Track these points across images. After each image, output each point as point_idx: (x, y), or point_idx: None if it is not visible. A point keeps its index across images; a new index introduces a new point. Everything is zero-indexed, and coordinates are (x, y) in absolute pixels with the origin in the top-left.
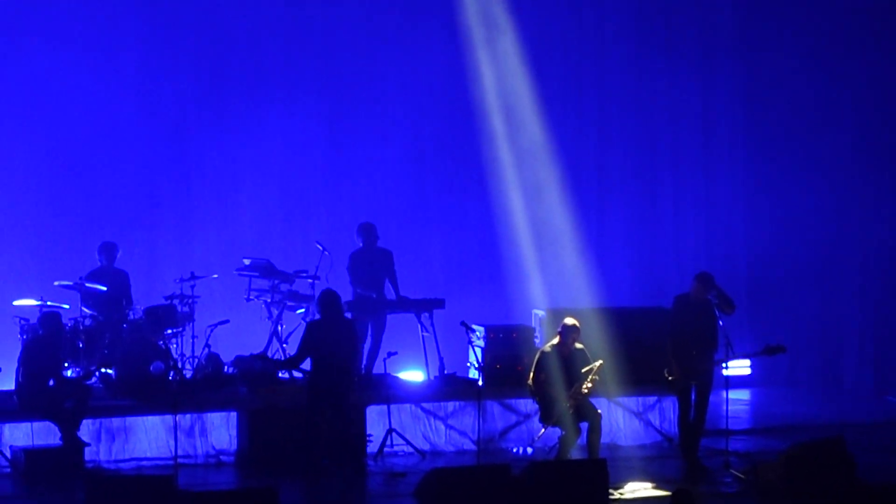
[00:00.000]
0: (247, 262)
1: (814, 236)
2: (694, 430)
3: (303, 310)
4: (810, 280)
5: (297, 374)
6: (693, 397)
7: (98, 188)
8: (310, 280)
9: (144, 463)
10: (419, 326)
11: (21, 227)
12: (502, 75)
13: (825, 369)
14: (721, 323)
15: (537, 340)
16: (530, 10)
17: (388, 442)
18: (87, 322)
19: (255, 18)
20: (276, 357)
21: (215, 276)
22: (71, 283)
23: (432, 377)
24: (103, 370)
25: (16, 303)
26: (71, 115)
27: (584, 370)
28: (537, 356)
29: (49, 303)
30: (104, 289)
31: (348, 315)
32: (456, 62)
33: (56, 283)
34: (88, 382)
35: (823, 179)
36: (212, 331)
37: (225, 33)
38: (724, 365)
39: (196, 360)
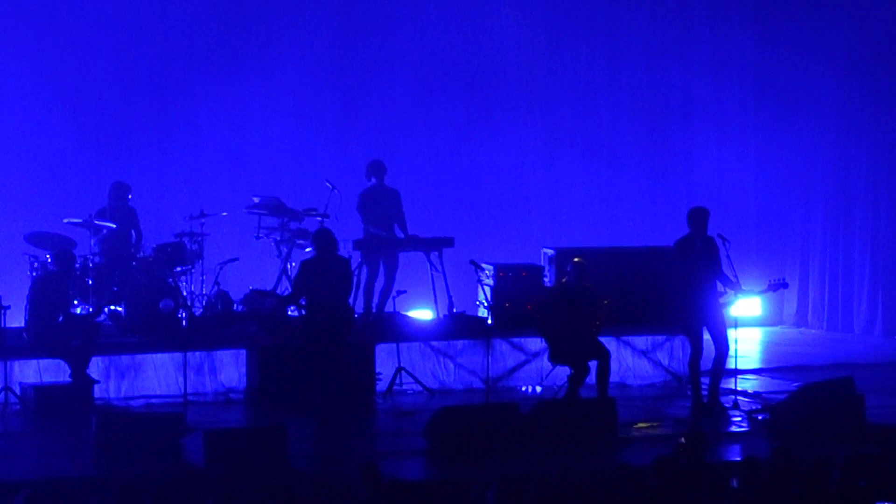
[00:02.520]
0: (256, 199)
1: (824, 178)
2: (713, 371)
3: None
4: (820, 221)
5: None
6: (709, 337)
7: (109, 125)
8: (319, 218)
9: (154, 400)
10: (428, 265)
11: (31, 164)
12: (517, 17)
13: (834, 311)
14: (728, 259)
15: (546, 279)
16: None
17: (397, 380)
18: (97, 259)
19: None
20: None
21: (224, 213)
22: (80, 220)
23: (441, 316)
24: (112, 307)
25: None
26: (84, 51)
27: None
28: (546, 295)
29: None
30: (114, 226)
31: (343, 253)
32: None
33: (66, 220)
34: (97, 320)
35: (833, 124)
36: (221, 268)
37: None
38: (731, 302)
39: (205, 298)
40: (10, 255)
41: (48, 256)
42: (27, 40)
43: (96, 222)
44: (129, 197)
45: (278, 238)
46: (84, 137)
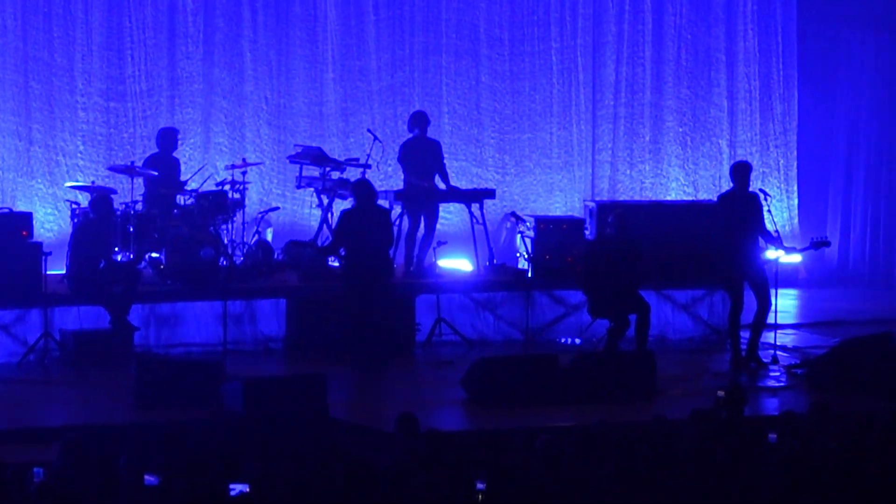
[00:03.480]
0: (298, 149)
1: (865, 133)
2: (754, 326)
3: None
4: (861, 177)
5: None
6: (751, 292)
7: (153, 74)
8: (361, 168)
9: (193, 349)
10: (469, 216)
11: (75, 112)
12: None
13: (874, 266)
14: (769, 215)
15: (587, 232)
16: None
17: (437, 331)
18: (138, 207)
19: None
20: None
21: (266, 162)
22: (122, 167)
23: (482, 268)
24: (153, 255)
25: (67, 184)
26: (128, 1)
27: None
28: (587, 248)
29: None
30: (155, 174)
31: (381, 203)
32: None
33: (108, 168)
34: (138, 267)
35: (877, 80)
36: (262, 217)
37: None
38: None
39: (246, 247)
40: (52, 203)
41: (87, 203)
42: None
43: (138, 170)
44: (178, 143)
45: (319, 188)
46: (128, 86)
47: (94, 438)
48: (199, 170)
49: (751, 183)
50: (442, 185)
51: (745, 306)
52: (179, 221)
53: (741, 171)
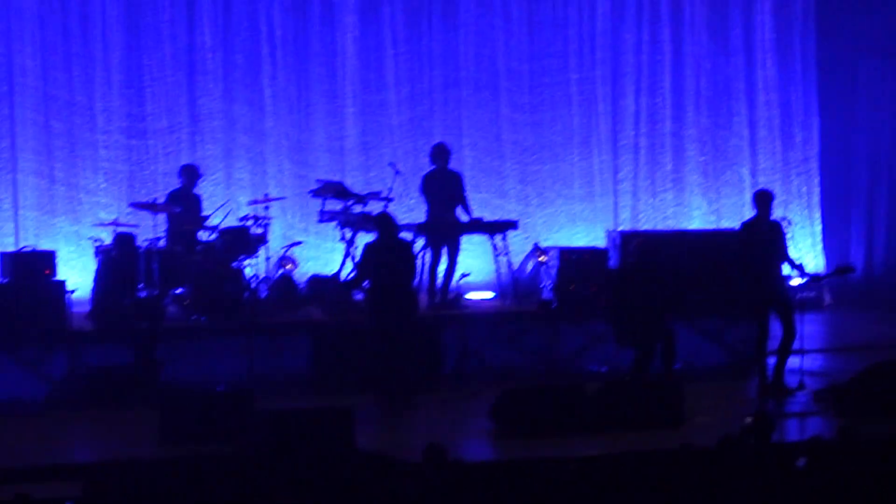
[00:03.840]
0: (319, 183)
1: (886, 159)
2: (780, 352)
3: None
4: (882, 202)
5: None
6: (775, 319)
7: (174, 111)
8: (383, 202)
9: (218, 385)
10: (492, 248)
11: (97, 150)
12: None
13: None
14: (792, 241)
15: (610, 262)
16: None
17: (463, 362)
18: (161, 243)
19: None
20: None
21: (288, 197)
22: (144, 204)
23: (506, 298)
24: (177, 291)
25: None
26: (147, 37)
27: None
28: (610, 277)
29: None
30: (178, 210)
31: (404, 236)
32: None
33: (130, 205)
34: (163, 303)
35: None
36: (285, 252)
37: None
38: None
39: (269, 281)
40: (75, 240)
41: (111, 241)
42: (96, 19)
43: (161, 206)
44: (199, 180)
45: (342, 221)
46: (149, 123)
47: (118, 475)
48: (221, 206)
49: (773, 210)
50: (465, 217)
51: (770, 333)
52: (203, 257)
53: (763, 199)
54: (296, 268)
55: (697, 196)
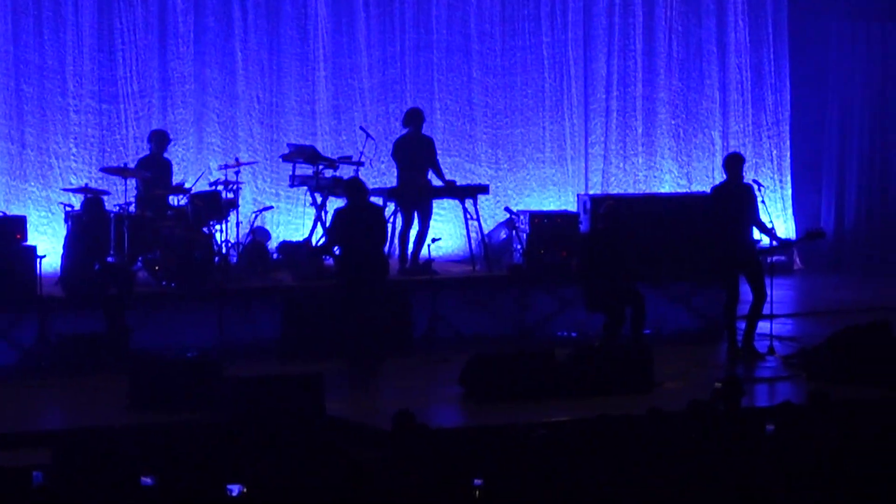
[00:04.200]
0: (290, 148)
1: (857, 123)
2: (749, 317)
3: None
4: (853, 166)
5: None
6: (745, 283)
7: (146, 74)
8: (354, 166)
9: (189, 350)
10: (463, 212)
11: (67, 114)
12: None
13: (869, 255)
14: (763, 206)
15: (581, 226)
16: None
17: (433, 327)
18: (132, 209)
19: None
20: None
21: (259, 161)
22: (115, 169)
23: (476, 263)
24: (147, 256)
25: (63, 189)
26: (118, 3)
27: None
28: (580, 241)
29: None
30: (148, 175)
31: (376, 200)
32: None
33: (100, 170)
34: (133, 269)
35: (869, 68)
36: (256, 217)
37: None
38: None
39: (240, 247)
40: (46, 206)
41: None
42: None
43: (131, 171)
44: (169, 145)
45: (313, 186)
46: (120, 87)
47: (88, 441)
48: (200, 175)
49: (744, 174)
50: (438, 182)
51: (740, 297)
52: (173, 222)
53: (734, 163)
54: (269, 240)
55: (668, 160)
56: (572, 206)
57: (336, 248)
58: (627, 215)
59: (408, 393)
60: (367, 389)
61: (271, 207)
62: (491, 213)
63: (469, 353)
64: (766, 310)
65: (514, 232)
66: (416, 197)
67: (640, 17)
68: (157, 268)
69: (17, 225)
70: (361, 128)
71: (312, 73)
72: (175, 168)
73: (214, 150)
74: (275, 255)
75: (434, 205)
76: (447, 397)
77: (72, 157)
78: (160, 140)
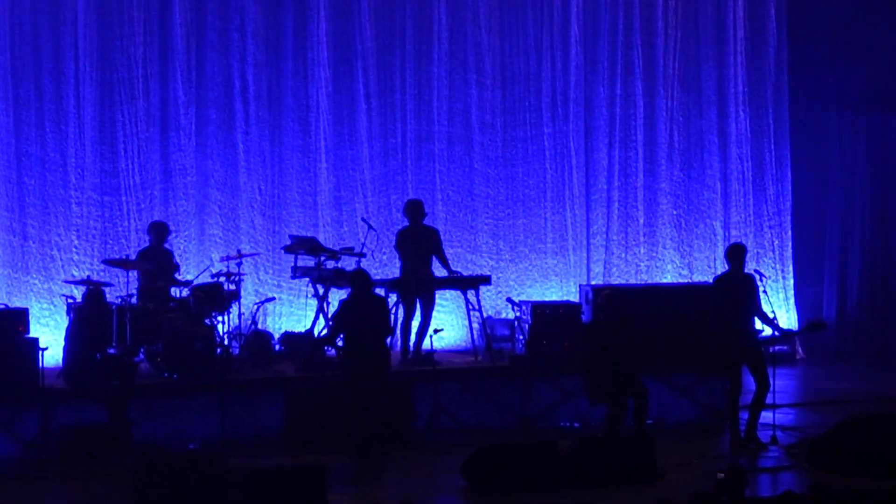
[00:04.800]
0: (292, 239)
1: (859, 213)
2: (752, 406)
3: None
4: (855, 256)
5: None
6: (748, 373)
7: (147, 167)
8: (356, 257)
9: (191, 442)
10: (465, 303)
11: (68, 207)
12: (553, 56)
13: (872, 345)
14: (766, 296)
15: (583, 316)
16: None
17: (435, 418)
18: (133, 301)
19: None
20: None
21: (261, 253)
22: (117, 261)
23: (479, 354)
24: (150, 348)
25: (65, 281)
26: (122, 93)
27: None
28: (582, 332)
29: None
30: (150, 267)
31: (379, 292)
32: (508, 39)
33: (102, 261)
34: (135, 360)
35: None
36: (258, 308)
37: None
38: (770, 346)
39: (243, 338)
40: (48, 297)
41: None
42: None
43: (133, 263)
44: (169, 237)
45: (315, 277)
46: (122, 179)
47: None
48: (204, 270)
49: (746, 264)
50: (443, 272)
51: (743, 387)
52: (175, 314)
53: (737, 253)
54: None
55: (670, 250)
56: (574, 297)
57: (339, 339)
58: (629, 306)
59: (410, 484)
60: (370, 481)
61: (273, 299)
62: (493, 303)
63: (471, 444)
64: (768, 400)
65: (516, 323)
66: (419, 288)
67: (640, 107)
68: (159, 359)
69: (19, 317)
70: (363, 219)
71: (314, 165)
72: (177, 258)
73: (216, 242)
74: (277, 347)
75: (436, 296)
76: (449, 488)
77: (74, 249)
78: (159, 231)
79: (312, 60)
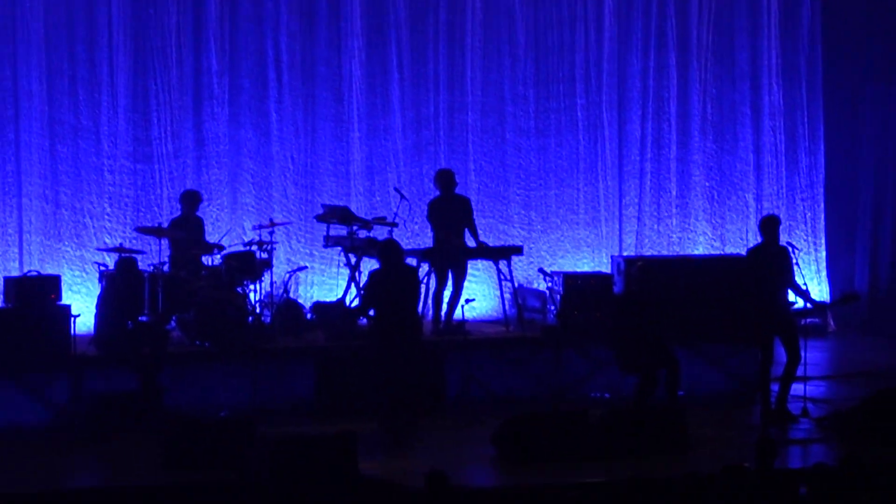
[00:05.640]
0: (324, 208)
1: (892, 185)
2: (783, 378)
3: None
4: (888, 229)
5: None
6: (779, 345)
7: (180, 135)
8: (388, 227)
9: (222, 410)
10: (497, 273)
11: (101, 175)
12: (586, 27)
13: None
14: (798, 268)
15: (615, 287)
16: None
17: (466, 388)
18: (165, 269)
19: None
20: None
21: (293, 222)
22: (149, 229)
23: (510, 324)
24: (181, 316)
25: (97, 249)
26: (155, 61)
27: None
28: (614, 303)
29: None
30: (182, 235)
31: (409, 262)
32: (542, 10)
33: (135, 229)
34: (166, 328)
35: None
36: (290, 277)
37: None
38: (802, 318)
39: (274, 307)
40: (80, 265)
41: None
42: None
43: (165, 231)
44: (201, 204)
45: (347, 246)
46: (154, 147)
47: (123, 501)
48: (226, 233)
49: (779, 236)
50: (472, 242)
51: (774, 359)
52: (207, 282)
53: (770, 225)
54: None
55: (702, 222)
56: (606, 268)
57: (370, 309)
58: (661, 277)
59: (441, 453)
60: (401, 450)
61: (305, 267)
62: (525, 274)
63: (502, 414)
64: (800, 372)
65: (548, 294)
66: (451, 258)
67: (674, 79)
68: (190, 327)
69: (52, 284)
70: (395, 188)
71: (347, 135)
72: (208, 227)
73: (249, 211)
74: (308, 316)
75: (468, 266)
76: (480, 458)
77: (106, 217)
78: (192, 200)
79: (346, 30)
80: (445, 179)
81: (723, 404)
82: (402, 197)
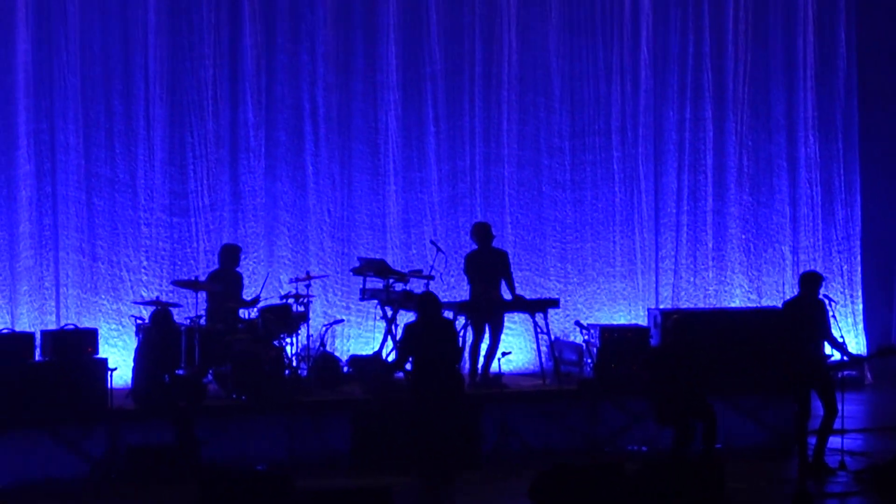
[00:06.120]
0: (361, 261)
1: None
2: (820, 431)
3: None
4: None
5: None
6: (816, 398)
7: (215, 187)
8: (424, 279)
9: (259, 463)
10: (533, 326)
11: (139, 229)
12: (622, 79)
13: None
14: (835, 320)
15: (652, 340)
16: None
17: (503, 441)
18: (202, 322)
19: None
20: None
21: (329, 275)
22: (186, 282)
23: (547, 377)
24: (218, 369)
25: (134, 302)
26: (192, 114)
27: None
28: (651, 355)
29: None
30: (219, 289)
31: (446, 315)
32: (577, 62)
33: (172, 283)
34: (203, 381)
35: None
36: (326, 330)
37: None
38: (839, 371)
39: (311, 360)
40: (117, 318)
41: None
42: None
43: (202, 285)
44: (241, 258)
45: (383, 299)
46: (191, 201)
47: None
48: (265, 280)
49: (820, 293)
50: (508, 295)
51: (811, 412)
52: (244, 335)
53: (812, 281)
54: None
55: (738, 274)
56: (643, 321)
57: (407, 362)
58: (698, 329)
59: None
60: (438, 503)
61: (342, 321)
62: (561, 326)
63: (538, 467)
64: (837, 425)
65: (584, 347)
66: (488, 311)
67: (710, 132)
68: (227, 380)
69: (89, 338)
70: (432, 241)
71: (383, 188)
72: (246, 282)
73: (285, 264)
74: (345, 369)
75: (505, 318)
76: None
77: (143, 271)
78: (231, 254)
79: (382, 83)
80: (482, 233)
81: (760, 457)
82: (439, 250)
